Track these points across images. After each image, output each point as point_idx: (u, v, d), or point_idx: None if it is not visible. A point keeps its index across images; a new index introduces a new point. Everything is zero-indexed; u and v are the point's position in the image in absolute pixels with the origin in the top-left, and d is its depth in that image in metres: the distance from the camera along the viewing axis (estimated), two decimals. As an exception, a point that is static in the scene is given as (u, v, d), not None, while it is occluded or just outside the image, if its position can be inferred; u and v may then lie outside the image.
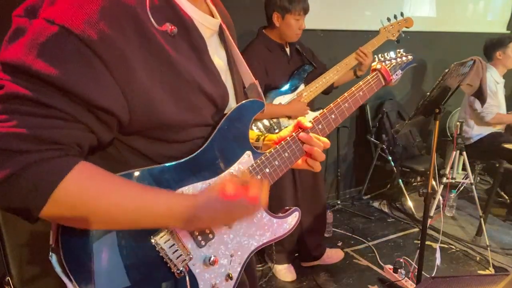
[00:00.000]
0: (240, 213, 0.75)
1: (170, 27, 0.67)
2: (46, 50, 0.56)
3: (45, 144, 0.57)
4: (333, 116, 0.93)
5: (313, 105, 2.36)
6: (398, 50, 1.15)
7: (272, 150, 0.86)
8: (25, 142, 0.55)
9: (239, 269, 0.83)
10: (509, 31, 4.28)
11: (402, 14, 2.39)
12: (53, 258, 0.66)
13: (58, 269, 0.66)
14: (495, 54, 3.20)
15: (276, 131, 2.20)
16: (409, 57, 1.14)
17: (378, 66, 1.05)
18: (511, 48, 3.13)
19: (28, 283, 1.17)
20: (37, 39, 0.56)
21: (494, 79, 3.18)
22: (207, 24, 0.77)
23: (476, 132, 3.23)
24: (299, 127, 0.89)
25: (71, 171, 0.59)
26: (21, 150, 0.55)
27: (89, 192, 0.61)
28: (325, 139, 0.91)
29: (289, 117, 2.23)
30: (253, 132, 0.97)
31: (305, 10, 2.15)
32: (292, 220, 0.91)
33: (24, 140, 0.55)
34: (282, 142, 0.88)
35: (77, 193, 0.60)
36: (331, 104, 0.94)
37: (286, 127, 0.95)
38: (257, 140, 0.96)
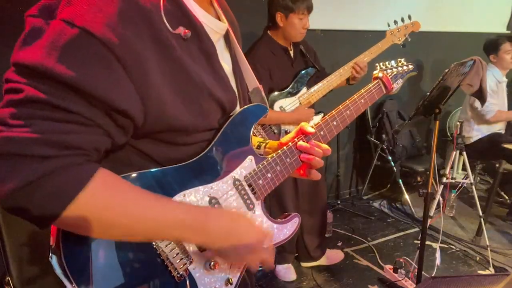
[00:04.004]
0: (244, 235, 0.75)
1: (183, 30, 0.66)
2: (67, 53, 0.54)
3: (65, 150, 0.56)
4: (335, 123, 0.94)
5: (314, 108, 2.34)
6: (399, 59, 1.16)
7: (275, 155, 0.86)
8: (46, 148, 0.54)
9: (238, 274, 0.83)
10: (509, 31, 4.27)
11: (409, 17, 2.31)
12: (53, 259, 0.66)
13: (58, 271, 0.65)
14: (489, 57, 3.21)
15: (275, 130, 2.19)
16: (410, 66, 1.15)
17: (380, 75, 1.05)
18: (502, 50, 3.12)
19: (28, 283, 1.16)
20: (57, 42, 0.54)
21: (496, 78, 3.18)
22: (216, 28, 0.77)
23: (476, 132, 3.23)
24: (302, 133, 0.89)
25: (90, 180, 0.58)
26: (41, 155, 0.54)
27: (106, 203, 0.60)
28: (326, 146, 0.90)
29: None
30: (255, 139, 0.96)
31: (309, 9, 2.13)
32: (291, 226, 0.91)
33: (45, 145, 0.54)
34: (284, 147, 0.87)
35: (94, 204, 0.59)
36: (333, 111, 0.95)
37: (286, 130, 0.95)
38: (258, 147, 0.95)
